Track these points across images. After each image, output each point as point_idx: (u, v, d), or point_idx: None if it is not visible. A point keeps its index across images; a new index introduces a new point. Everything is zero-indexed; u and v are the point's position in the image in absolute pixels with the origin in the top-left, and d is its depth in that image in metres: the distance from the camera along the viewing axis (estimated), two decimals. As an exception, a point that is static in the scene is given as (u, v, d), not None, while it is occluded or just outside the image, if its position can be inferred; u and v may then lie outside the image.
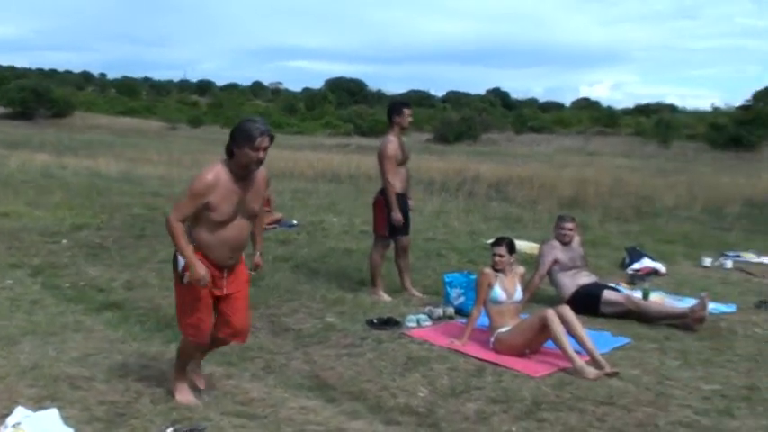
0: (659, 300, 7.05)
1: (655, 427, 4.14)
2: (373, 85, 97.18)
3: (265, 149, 3.96)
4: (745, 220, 14.16)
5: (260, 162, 3.98)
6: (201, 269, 3.96)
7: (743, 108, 59.69)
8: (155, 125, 61.20)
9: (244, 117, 4.20)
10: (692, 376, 5.02)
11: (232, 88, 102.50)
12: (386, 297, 6.94)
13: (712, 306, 6.69)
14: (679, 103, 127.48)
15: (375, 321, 6.04)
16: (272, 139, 3.97)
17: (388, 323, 6.03)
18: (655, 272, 8.55)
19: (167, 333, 5.52)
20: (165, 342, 5.34)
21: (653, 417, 4.29)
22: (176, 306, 4.27)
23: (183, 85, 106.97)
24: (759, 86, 74.13)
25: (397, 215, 6.89)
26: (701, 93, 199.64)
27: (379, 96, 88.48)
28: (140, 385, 4.45)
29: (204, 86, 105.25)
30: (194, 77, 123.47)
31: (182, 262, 4.04)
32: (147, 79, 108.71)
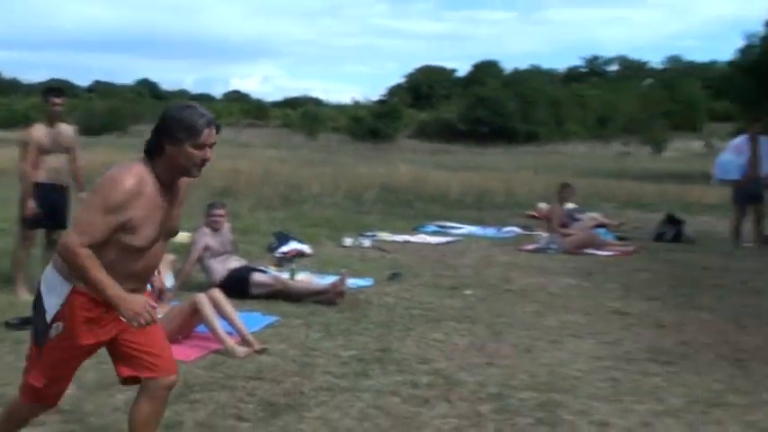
0: (306, 279, 7.48)
1: (300, 394, 4.43)
2: (8, 73, 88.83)
3: (212, 146, 2.99)
4: (381, 204, 15.55)
5: (204, 164, 2.97)
6: (138, 299, 2.86)
7: (379, 102, 64.94)
8: None
9: (175, 103, 3.08)
10: (333, 345, 5.45)
11: None
12: (27, 296, 6.50)
13: (352, 281, 7.27)
14: (324, 96, 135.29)
15: (14, 322, 5.63)
16: (218, 130, 3.01)
17: (30, 322, 5.65)
18: (301, 253, 9.06)
19: None
20: None
21: (299, 385, 4.58)
22: (27, 362, 3.19)
23: None
24: (393, 82, 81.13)
25: (29, 205, 6.57)
26: (344, 88, 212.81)
27: (16, 85, 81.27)
28: None
29: None
30: None
31: (51, 309, 2.96)
32: None
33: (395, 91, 76.84)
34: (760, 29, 33.76)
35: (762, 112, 26.24)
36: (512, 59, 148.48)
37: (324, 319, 6.21)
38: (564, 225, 10.68)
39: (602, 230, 11.86)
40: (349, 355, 5.22)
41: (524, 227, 12.90)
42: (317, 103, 76.62)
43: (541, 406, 4.36)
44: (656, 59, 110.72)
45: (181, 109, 2.93)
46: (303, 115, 59.33)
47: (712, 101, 59.00)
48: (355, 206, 15.24)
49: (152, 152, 2.93)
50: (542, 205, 14.53)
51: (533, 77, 70.46)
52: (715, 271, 9.09)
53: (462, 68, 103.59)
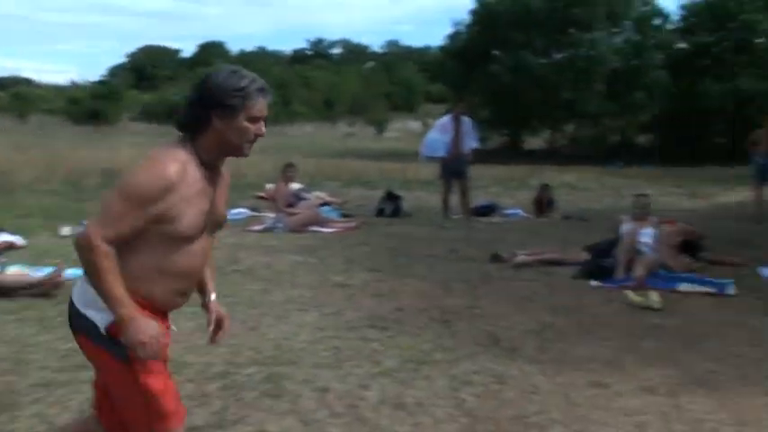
0: (18, 272, 7.00)
1: (13, 393, 4.20)
2: None
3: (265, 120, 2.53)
4: (104, 190, 14.85)
5: (256, 140, 2.54)
6: (152, 325, 2.43)
7: (100, 83, 61.64)
8: None
9: (218, 68, 2.52)
10: (51, 339, 5.20)
11: None
12: None
13: (71, 271, 6.92)
14: (36, 77, 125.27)
15: None
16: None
17: None
18: (11, 246, 8.45)
19: None
20: None
21: (13, 383, 4.35)
22: (126, 407, 2.60)
23: None
24: (114, 62, 77.50)
25: None
26: (59, 67, 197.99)
27: None
28: None
29: None
30: None
31: (104, 319, 2.49)
32: None
33: (116, 71, 73.35)
34: (466, 17, 36.77)
35: (469, 94, 28.61)
36: (238, 41, 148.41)
37: (39, 312, 5.88)
38: (290, 204, 10.95)
39: (327, 208, 12.33)
40: (68, 348, 4.98)
41: (253, 208, 13.01)
42: (28, 83, 70.87)
43: (267, 379, 4.51)
44: (376, 43, 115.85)
45: (229, 75, 2.47)
46: (13, 97, 54.71)
47: (428, 84, 63.05)
48: (75, 193, 14.43)
49: (194, 130, 2.49)
50: (270, 186, 14.72)
51: (260, 59, 70.86)
52: (428, 242, 9.84)
53: (187, 49, 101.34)
